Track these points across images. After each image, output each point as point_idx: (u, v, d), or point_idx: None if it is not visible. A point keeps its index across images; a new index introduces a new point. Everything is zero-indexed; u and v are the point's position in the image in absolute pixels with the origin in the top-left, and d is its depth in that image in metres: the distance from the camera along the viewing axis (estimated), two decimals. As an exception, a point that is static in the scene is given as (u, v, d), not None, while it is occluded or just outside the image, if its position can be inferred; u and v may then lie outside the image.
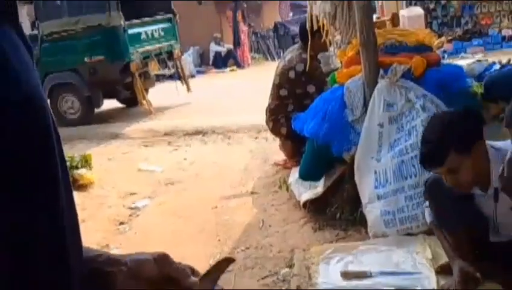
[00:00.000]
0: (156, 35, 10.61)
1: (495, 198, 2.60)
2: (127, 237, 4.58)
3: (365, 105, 3.81)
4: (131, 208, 5.19)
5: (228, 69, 16.83)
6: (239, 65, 17.30)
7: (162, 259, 0.84)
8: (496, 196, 2.58)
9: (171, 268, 0.84)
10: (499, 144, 2.62)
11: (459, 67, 4.26)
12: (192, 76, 15.02)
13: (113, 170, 6.47)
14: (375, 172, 3.66)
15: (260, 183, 5.33)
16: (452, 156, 2.46)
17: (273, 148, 6.11)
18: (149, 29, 10.47)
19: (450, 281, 2.84)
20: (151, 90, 10.82)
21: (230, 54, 17.45)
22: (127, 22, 9.64)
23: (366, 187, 3.71)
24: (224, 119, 8.31)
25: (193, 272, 0.87)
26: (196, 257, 3.89)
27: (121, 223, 4.87)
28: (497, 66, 4.87)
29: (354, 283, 3.11)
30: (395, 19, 5.91)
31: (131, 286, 0.83)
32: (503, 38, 11.42)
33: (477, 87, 4.06)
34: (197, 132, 7.97)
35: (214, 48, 17.39)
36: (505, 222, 2.68)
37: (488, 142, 2.59)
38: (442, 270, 3.01)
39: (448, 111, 2.98)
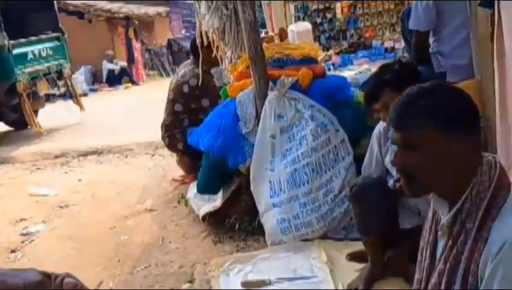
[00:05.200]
0: (43, 54, 10.28)
1: None
2: (19, 265, 4.34)
3: (257, 117, 3.89)
4: (23, 235, 4.94)
5: (122, 86, 16.57)
6: (134, 82, 17.08)
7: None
8: None
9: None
10: None
11: (343, 78, 4.46)
12: (85, 94, 14.67)
13: (2, 196, 6.15)
14: (270, 182, 3.76)
15: (159, 200, 5.27)
16: (387, 93, 2.79)
17: (171, 165, 6.08)
18: (36, 48, 10.12)
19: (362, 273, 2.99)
20: (41, 110, 10.43)
21: (124, 72, 17.21)
22: (12, 42, 9.24)
23: (262, 197, 3.80)
24: (120, 138, 8.15)
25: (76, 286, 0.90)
26: (96, 279, 3.79)
27: (13, 251, 4.62)
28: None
29: (255, 292, 3.18)
30: (282, 34, 6.13)
31: None
32: (386, 49, 12.06)
33: (361, 96, 4.27)
34: (92, 152, 7.75)
35: (106, 65, 17.07)
36: None
37: None
38: (352, 258, 3.21)
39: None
